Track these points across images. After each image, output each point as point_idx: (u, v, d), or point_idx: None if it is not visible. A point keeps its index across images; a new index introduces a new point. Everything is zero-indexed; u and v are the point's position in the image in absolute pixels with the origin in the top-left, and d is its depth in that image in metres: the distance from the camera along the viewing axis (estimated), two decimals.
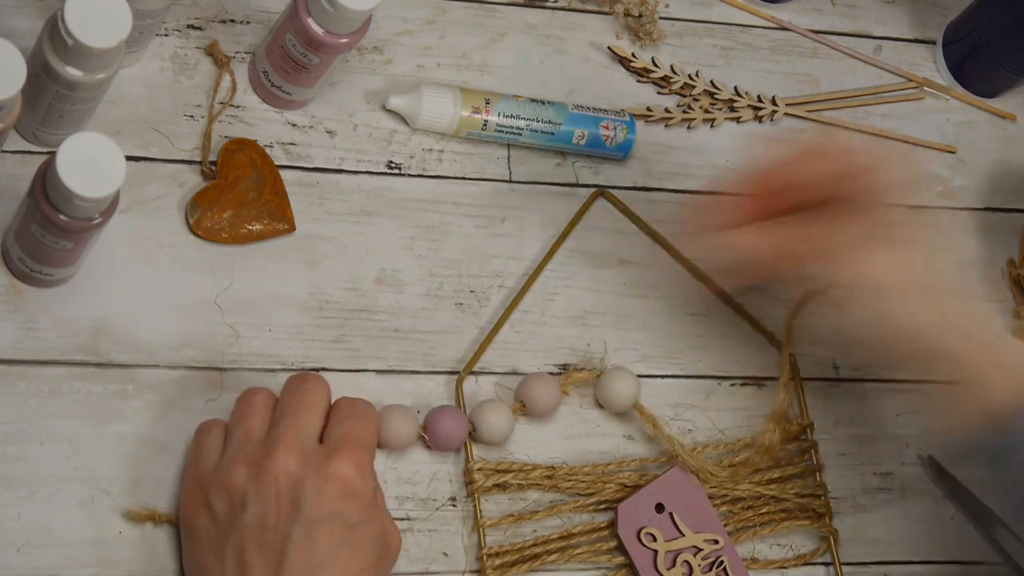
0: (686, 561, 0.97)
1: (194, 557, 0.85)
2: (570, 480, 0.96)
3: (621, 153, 1.06)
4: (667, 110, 1.09)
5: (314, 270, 0.97)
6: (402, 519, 0.93)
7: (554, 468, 0.96)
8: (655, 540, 0.97)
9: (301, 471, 0.83)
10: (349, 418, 0.87)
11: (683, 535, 0.97)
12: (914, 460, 1.06)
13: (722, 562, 0.97)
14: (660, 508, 0.98)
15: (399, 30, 1.05)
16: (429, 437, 0.94)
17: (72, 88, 0.87)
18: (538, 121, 1.03)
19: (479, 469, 0.95)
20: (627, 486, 0.97)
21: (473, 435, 0.96)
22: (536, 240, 1.02)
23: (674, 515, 0.97)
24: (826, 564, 1.01)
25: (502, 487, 0.95)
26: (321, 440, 0.86)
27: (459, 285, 1.00)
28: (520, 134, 1.03)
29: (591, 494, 0.97)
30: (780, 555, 1.01)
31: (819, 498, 1.01)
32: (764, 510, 1.00)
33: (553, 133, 1.04)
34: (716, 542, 0.97)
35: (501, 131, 1.02)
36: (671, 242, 1.04)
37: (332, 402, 0.89)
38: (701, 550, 0.97)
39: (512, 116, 1.02)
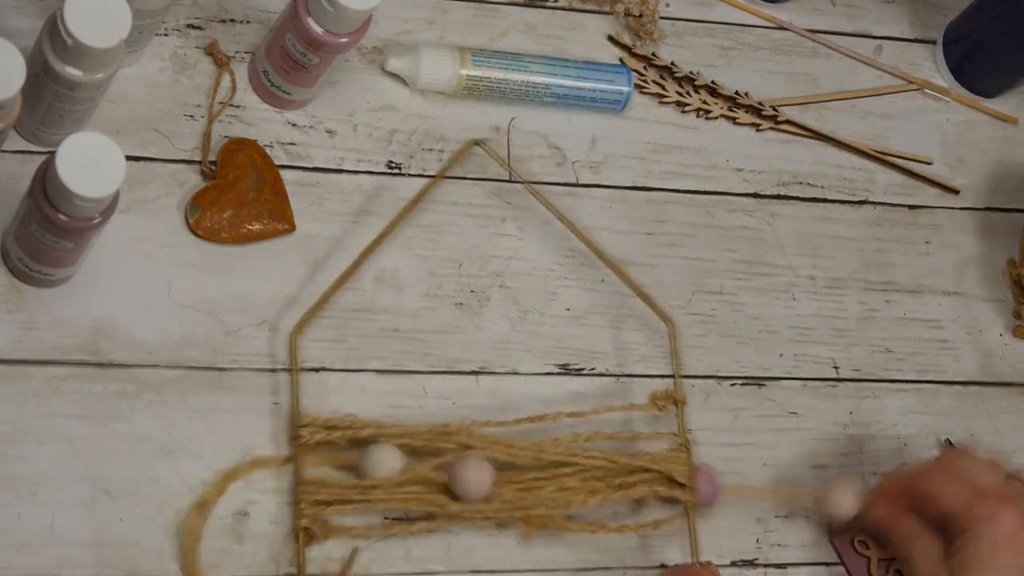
0: (897, 570, 1.00)
1: None
2: (403, 439, 0.93)
3: (618, 106, 1.06)
4: (663, 88, 1.09)
5: (314, 270, 0.97)
6: None
7: (383, 426, 0.93)
8: (868, 548, 1.00)
9: None
10: None
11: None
12: (914, 460, 1.06)
13: None
14: None
15: (399, 30, 1.05)
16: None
17: (72, 88, 0.87)
18: (536, 65, 1.04)
19: (305, 426, 0.92)
20: (469, 446, 0.94)
21: None
22: (536, 240, 1.02)
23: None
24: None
25: (330, 444, 0.92)
26: None
27: (459, 285, 1.00)
28: (519, 88, 1.04)
29: (425, 455, 0.94)
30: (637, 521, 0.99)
31: (682, 467, 0.98)
32: (617, 480, 0.96)
33: (549, 86, 1.04)
34: None
35: (498, 85, 1.03)
36: (543, 197, 1.02)
37: None
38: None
39: (507, 64, 1.03)
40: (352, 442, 0.93)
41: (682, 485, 0.97)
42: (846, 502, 0.99)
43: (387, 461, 0.92)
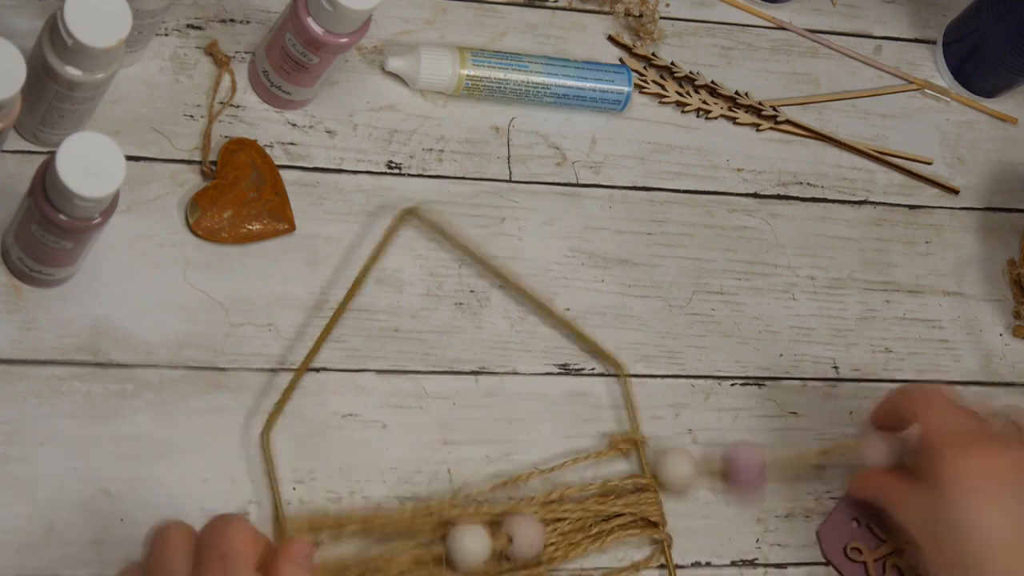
0: (895, 565, 1.01)
1: None
2: (388, 527, 0.92)
3: (618, 106, 1.06)
4: (663, 88, 1.09)
5: (314, 270, 0.97)
6: None
7: (368, 518, 0.91)
8: (861, 553, 1.00)
9: None
10: (214, 534, 0.76)
11: (884, 541, 1.01)
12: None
13: None
14: (857, 523, 1.01)
15: (399, 30, 1.05)
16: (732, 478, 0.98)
17: (72, 88, 0.87)
18: (536, 65, 1.04)
19: (293, 528, 0.90)
20: (449, 522, 0.93)
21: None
22: (536, 240, 1.02)
23: (871, 526, 1.01)
24: (661, 566, 0.98)
25: (315, 544, 0.90)
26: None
27: (459, 285, 1.00)
28: (519, 88, 1.04)
29: (411, 534, 0.93)
30: (616, 564, 0.97)
31: (653, 507, 0.98)
32: (595, 530, 0.96)
33: (549, 86, 1.04)
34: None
35: (498, 85, 1.03)
36: (484, 257, 1.00)
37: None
38: (904, 551, 1.01)
39: (507, 64, 1.03)
40: (338, 534, 0.91)
41: (655, 524, 0.97)
42: (878, 452, 0.99)
43: (476, 546, 0.92)
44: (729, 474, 0.99)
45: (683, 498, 0.99)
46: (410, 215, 0.99)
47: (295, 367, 0.94)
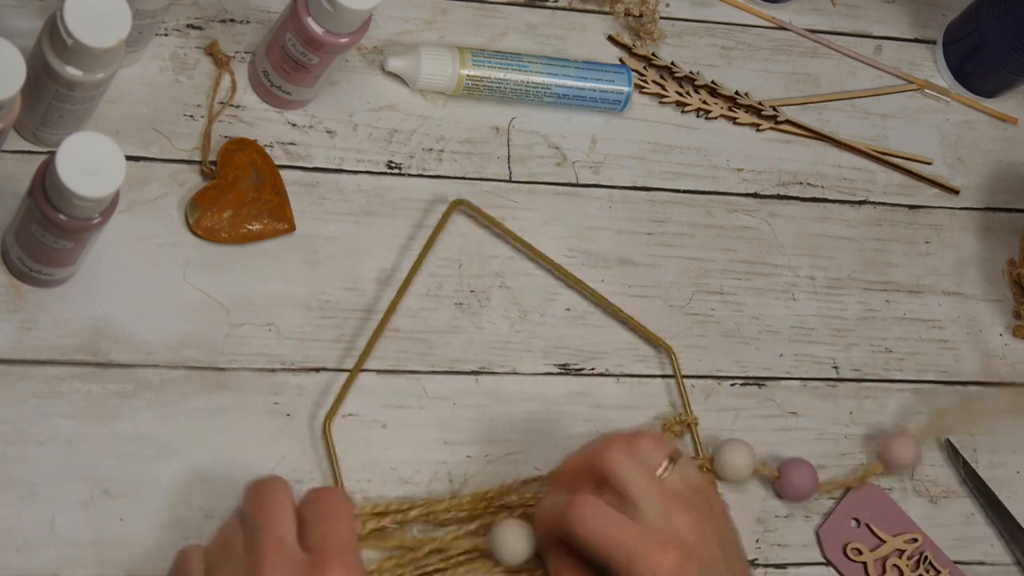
0: (895, 565, 1.01)
1: None
2: (450, 513, 0.93)
3: (618, 106, 1.07)
4: (663, 88, 1.09)
5: (314, 270, 0.97)
6: None
7: (430, 503, 0.93)
8: (861, 553, 1.01)
9: None
10: (326, 518, 0.82)
11: (884, 541, 1.01)
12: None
13: (926, 557, 1.02)
14: (856, 522, 1.02)
15: (399, 30, 1.05)
16: (783, 486, 0.99)
17: (72, 88, 0.87)
18: (536, 65, 1.04)
19: (355, 516, 0.89)
20: (508, 507, 0.94)
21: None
22: (536, 240, 1.02)
23: (871, 525, 1.02)
24: None
25: (379, 532, 0.92)
26: (302, 544, 0.81)
27: (459, 285, 1.00)
28: (519, 88, 1.04)
29: (471, 520, 0.94)
30: None
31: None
32: None
33: (549, 86, 1.04)
34: (915, 540, 1.02)
35: (498, 85, 1.03)
36: (538, 249, 1.01)
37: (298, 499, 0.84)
38: (904, 551, 1.01)
39: (507, 64, 1.03)
40: (400, 521, 0.92)
41: None
42: (909, 453, 1.01)
43: (518, 543, 0.92)
44: (782, 489, 1.00)
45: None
46: (461, 205, 1.00)
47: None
